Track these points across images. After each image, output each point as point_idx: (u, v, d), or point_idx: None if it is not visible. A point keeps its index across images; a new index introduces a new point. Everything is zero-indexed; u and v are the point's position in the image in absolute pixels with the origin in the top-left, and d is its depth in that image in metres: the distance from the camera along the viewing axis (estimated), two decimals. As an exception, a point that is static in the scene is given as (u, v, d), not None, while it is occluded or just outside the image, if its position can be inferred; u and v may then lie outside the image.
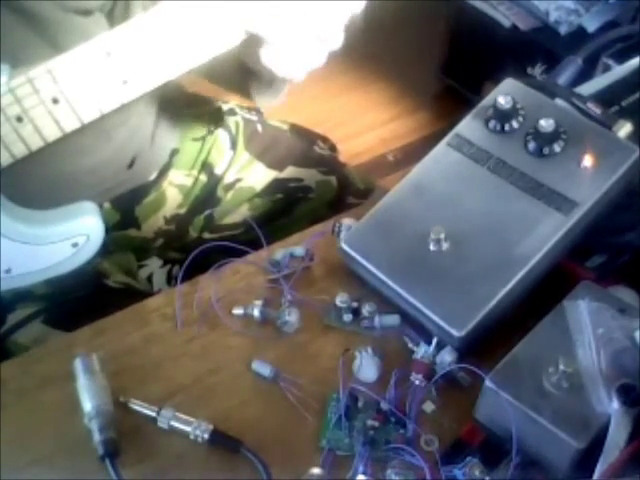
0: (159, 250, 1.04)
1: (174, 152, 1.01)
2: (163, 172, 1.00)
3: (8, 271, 0.78)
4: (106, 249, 0.84)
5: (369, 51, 2.18)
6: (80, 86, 0.71)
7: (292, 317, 0.74)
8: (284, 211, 1.05)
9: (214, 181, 1.03)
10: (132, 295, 0.83)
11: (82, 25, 0.83)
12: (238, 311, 0.76)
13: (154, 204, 1.00)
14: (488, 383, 0.64)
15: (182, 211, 1.03)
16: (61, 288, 0.84)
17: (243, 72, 0.85)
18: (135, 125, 0.92)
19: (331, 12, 0.71)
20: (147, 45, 0.70)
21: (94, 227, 0.80)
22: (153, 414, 0.67)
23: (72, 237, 0.79)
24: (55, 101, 0.71)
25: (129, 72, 0.71)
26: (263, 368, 0.71)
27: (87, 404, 0.66)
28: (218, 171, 1.03)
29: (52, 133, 0.72)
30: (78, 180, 0.88)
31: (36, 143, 0.73)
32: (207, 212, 1.03)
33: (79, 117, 0.72)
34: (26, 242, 0.77)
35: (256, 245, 0.80)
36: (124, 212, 0.98)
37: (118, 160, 0.92)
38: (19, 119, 0.71)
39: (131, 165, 0.94)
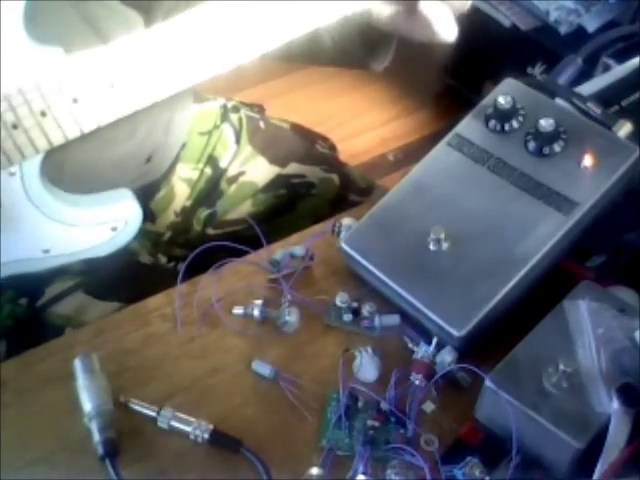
0: (165, 246, 1.05)
1: (182, 146, 1.03)
2: (172, 166, 1.02)
3: (47, 251, 0.80)
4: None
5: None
6: (135, 74, 0.73)
7: (292, 317, 0.74)
8: (287, 207, 1.06)
9: (218, 174, 1.05)
10: (160, 271, 0.85)
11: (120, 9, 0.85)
12: (238, 311, 0.76)
13: (165, 199, 1.02)
14: (488, 383, 0.64)
15: (188, 204, 1.04)
16: (97, 265, 0.86)
17: (360, 40, 0.87)
18: (154, 120, 0.94)
19: None
20: (193, 42, 0.73)
21: (133, 212, 0.82)
22: (153, 414, 0.67)
23: (112, 221, 0.81)
24: (111, 86, 0.73)
25: (176, 66, 0.74)
26: (263, 368, 0.71)
27: (87, 404, 0.66)
28: (222, 164, 1.05)
29: (106, 118, 0.75)
30: (102, 171, 0.90)
31: (89, 125, 0.75)
32: (211, 210, 1.04)
33: (130, 104, 0.75)
34: (67, 223, 0.79)
35: (259, 241, 0.81)
36: (142, 205, 0.99)
37: (139, 154, 0.94)
38: (75, 100, 0.73)
39: (149, 159, 0.96)
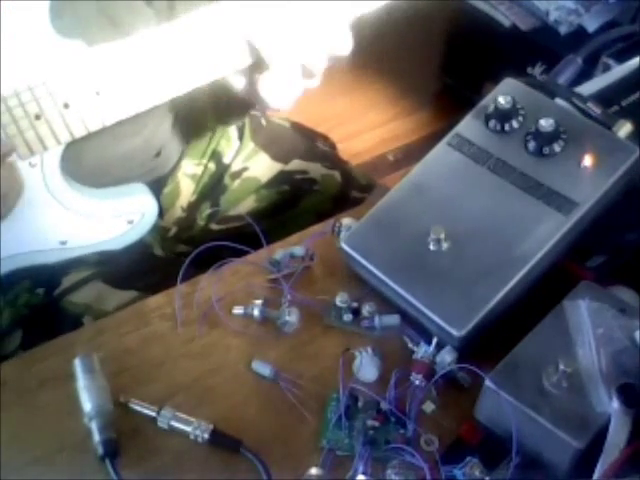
0: (170, 242, 1.05)
1: (187, 142, 1.04)
2: (177, 162, 1.03)
3: (64, 242, 0.81)
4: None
5: (369, 51, 2.18)
6: (155, 70, 0.75)
7: (292, 317, 0.74)
8: (290, 203, 1.06)
9: (222, 169, 1.05)
10: (175, 262, 0.85)
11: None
12: (238, 311, 0.76)
13: (172, 195, 1.03)
14: (488, 383, 0.64)
15: (193, 199, 1.05)
16: (112, 257, 0.87)
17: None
18: (161, 118, 0.95)
19: (334, 21, 0.78)
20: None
21: (149, 206, 0.84)
22: (153, 414, 0.67)
23: (128, 214, 0.83)
24: (132, 80, 0.75)
25: (194, 63, 0.76)
26: (263, 368, 0.71)
27: (87, 404, 0.66)
28: (226, 160, 1.05)
29: (126, 111, 0.76)
30: (112, 166, 0.91)
31: (110, 118, 0.76)
32: (214, 209, 1.05)
33: (150, 99, 0.76)
34: (85, 216, 0.81)
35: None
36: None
37: (148, 148, 0.95)
38: (97, 93, 0.74)
39: (158, 154, 0.97)
